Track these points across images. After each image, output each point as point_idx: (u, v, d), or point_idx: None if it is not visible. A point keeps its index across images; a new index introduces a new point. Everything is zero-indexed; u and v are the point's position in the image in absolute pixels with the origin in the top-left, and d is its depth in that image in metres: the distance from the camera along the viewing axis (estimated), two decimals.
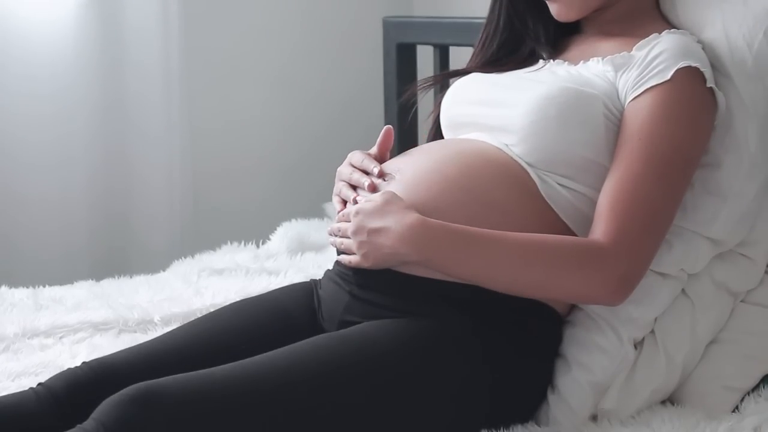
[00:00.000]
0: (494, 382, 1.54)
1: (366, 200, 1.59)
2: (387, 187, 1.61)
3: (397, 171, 1.63)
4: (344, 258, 1.61)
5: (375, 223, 1.55)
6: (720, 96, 1.62)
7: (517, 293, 1.56)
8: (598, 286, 1.52)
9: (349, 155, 1.73)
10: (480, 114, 1.71)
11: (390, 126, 1.76)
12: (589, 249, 1.52)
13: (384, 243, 1.54)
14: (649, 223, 1.54)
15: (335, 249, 1.69)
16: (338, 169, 1.73)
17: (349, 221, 1.59)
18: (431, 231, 1.53)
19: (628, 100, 1.60)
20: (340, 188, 1.70)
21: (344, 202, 1.68)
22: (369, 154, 1.71)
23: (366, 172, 1.67)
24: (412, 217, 1.54)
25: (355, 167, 1.70)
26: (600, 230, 1.53)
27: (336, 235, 1.63)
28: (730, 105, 1.64)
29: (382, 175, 1.65)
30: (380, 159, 1.72)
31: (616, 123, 1.61)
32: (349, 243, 1.59)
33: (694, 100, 1.59)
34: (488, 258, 1.53)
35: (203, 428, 1.39)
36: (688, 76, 1.58)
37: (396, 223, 1.54)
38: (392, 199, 1.56)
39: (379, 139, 1.74)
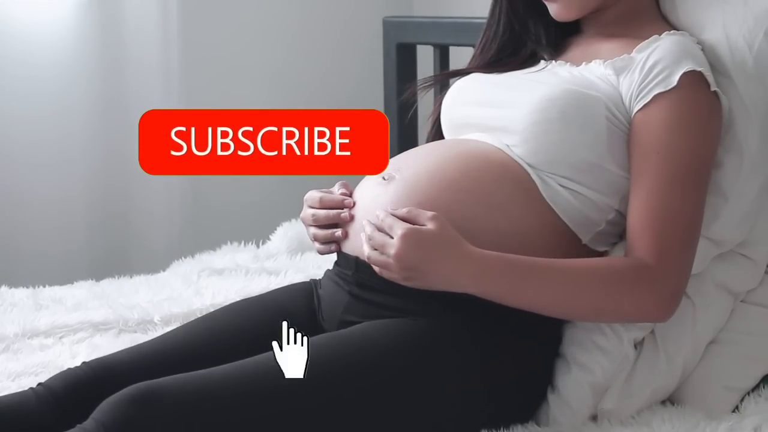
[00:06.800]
0: (494, 381, 1.54)
1: (409, 227, 1.50)
2: (387, 187, 1.61)
3: (397, 171, 1.63)
4: (383, 273, 1.53)
5: (424, 255, 1.49)
6: (724, 99, 1.62)
7: (574, 319, 1.59)
8: (652, 306, 1.54)
9: (306, 197, 1.70)
10: (481, 115, 1.71)
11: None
12: (638, 270, 1.53)
13: (434, 280, 1.50)
14: (687, 236, 1.56)
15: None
16: (301, 216, 1.71)
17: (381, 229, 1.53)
18: (487, 263, 1.51)
19: (636, 109, 1.60)
20: (314, 234, 1.67)
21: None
22: (327, 191, 1.68)
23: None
24: (467, 249, 1.51)
25: (318, 207, 1.66)
26: (642, 250, 1.54)
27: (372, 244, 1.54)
28: (730, 105, 1.64)
29: (350, 206, 1.64)
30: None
31: (619, 127, 1.61)
32: (390, 263, 1.51)
33: (703, 106, 1.59)
34: (544, 288, 1.53)
35: (203, 428, 1.39)
36: (694, 82, 1.58)
37: (450, 256, 1.50)
38: (442, 228, 1.51)
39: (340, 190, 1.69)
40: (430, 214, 1.52)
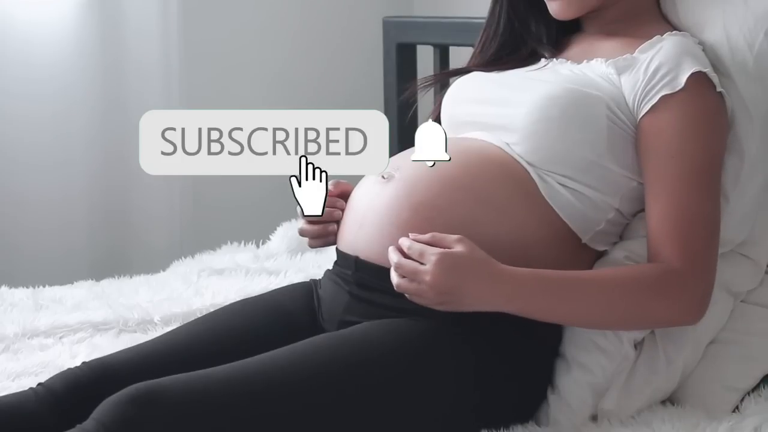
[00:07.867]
0: (494, 380, 1.54)
1: (442, 252, 1.48)
2: (386, 186, 1.61)
3: (397, 169, 1.63)
4: (415, 299, 1.50)
5: (459, 279, 1.47)
6: (728, 99, 1.62)
7: (606, 329, 1.58)
8: (683, 309, 1.54)
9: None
10: (481, 113, 1.71)
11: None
12: (666, 276, 1.53)
13: (469, 302, 1.49)
14: (709, 237, 1.56)
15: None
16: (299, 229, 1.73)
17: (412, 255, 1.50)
18: (520, 281, 1.50)
19: (643, 112, 1.59)
20: (301, 229, 1.70)
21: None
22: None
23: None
24: (499, 268, 1.49)
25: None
26: (667, 254, 1.54)
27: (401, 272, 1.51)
28: (731, 105, 1.64)
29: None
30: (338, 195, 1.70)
31: (621, 126, 1.60)
32: (424, 290, 1.48)
33: (711, 107, 1.59)
34: (577, 302, 1.53)
35: (203, 428, 1.39)
36: (700, 83, 1.58)
37: (483, 278, 1.48)
38: (472, 250, 1.49)
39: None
40: (454, 237, 1.50)
